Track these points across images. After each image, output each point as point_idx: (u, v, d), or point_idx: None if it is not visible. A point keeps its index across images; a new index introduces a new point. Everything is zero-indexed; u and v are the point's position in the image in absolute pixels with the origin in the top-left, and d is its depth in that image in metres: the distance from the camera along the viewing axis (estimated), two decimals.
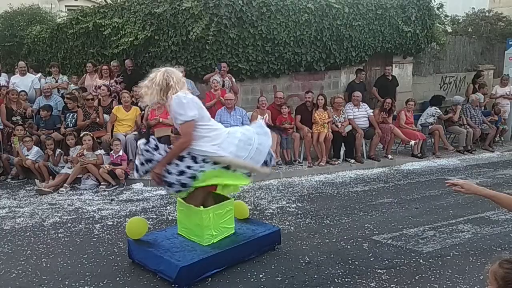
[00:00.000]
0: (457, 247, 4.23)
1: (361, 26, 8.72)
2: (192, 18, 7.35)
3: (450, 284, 3.51)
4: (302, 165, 7.50)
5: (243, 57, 7.83)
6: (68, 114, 7.37)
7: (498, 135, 9.60)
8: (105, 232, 4.70)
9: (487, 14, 12.83)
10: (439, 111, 8.88)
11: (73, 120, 7.30)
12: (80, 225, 4.92)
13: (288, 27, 7.95)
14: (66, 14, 10.43)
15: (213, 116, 7.18)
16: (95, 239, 4.51)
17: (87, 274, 3.73)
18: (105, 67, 7.95)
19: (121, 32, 8.00)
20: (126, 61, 7.96)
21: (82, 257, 4.07)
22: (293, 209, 5.43)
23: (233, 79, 7.70)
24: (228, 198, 4.04)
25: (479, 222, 4.93)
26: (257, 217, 5.12)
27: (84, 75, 8.51)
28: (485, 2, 19.04)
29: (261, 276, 3.66)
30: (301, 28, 8.07)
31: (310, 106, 7.82)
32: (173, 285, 3.46)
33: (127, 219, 5.07)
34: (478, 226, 4.81)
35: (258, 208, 5.50)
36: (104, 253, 4.16)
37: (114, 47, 8.11)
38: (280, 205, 5.60)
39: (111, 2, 8.52)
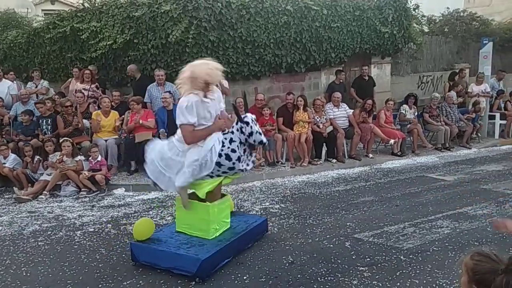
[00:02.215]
0: (437, 243, 4.33)
1: (340, 27, 8.83)
2: (171, 21, 7.32)
3: (430, 279, 3.59)
4: (284, 166, 7.55)
5: (223, 60, 7.82)
6: (42, 121, 7.23)
7: (475, 132, 9.84)
8: (87, 239, 4.63)
9: (462, 14, 13.14)
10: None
11: (49, 127, 7.18)
12: (61, 233, 4.85)
13: (268, 29, 7.99)
14: (43, 18, 10.20)
15: None
16: (76, 247, 4.44)
17: (69, 282, 3.68)
18: (86, 71, 7.85)
19: (99, 36, 7.91)
20: (130, 66, 7.81)
21: (63, 265, 4.01)
22: (277, 210, 5.46)
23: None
24: (224, 194, 4.24)
25: (457, 218, 5.05)
26: None
27: (70, 79, 8.38)
28: (460, 2, 19.53)
29: (245, 277, 3.67)
30: (281, 30, 8.13)
31: (291, 107, 7.88)
32: (196, 279, 3.57)
33: (108, 225, 5.04)
34: (457, 222, 4.92)
35: (241, 210, 5.50)
36: (85, 260, 4.10)
37: (92, 51, 8.01)
38: (264, 206, 5.62)
39: (88, 6, 8.41)
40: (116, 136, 7.27)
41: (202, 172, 3.74)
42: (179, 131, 3.85)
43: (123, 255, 4.18)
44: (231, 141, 3.77)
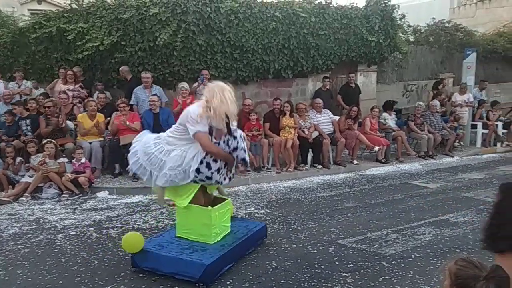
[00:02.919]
0: (419, 249, 4.38)
1: (327, 35, 8.92)
2: (160, 24, 7.30)
3: (412, 285, 3.62)
4: (270, 171, 7.56)
5: (211, 64, 7.84)
6: (21, 122, 7.11)
7: (457, 141, 10.01)
8: (68, 243, 4.56)
9: (446, 24, 13.39)
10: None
11: (28, 127, 7.06)
12: (41, 236, 4.76)
13: (256, 35, 8.03)
14: (29, 18, 10.05)
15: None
16: (57, 250, 4.37)
17: (48, 286, 3.61)
18: (70, 72, 7.76)
19: (86, 37, 7.82)
20: (122, 67, 7.73)
21: (43, 268, 3.93)
22: (262, 215, 5.45)
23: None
24: (224, 199, 4.25)
25: (439, 225, 5.12)
26: None
27: (56, 80, 8.26)
28: (445, 13, 19.94)
29: (228, 283, 3.65)
30: (269, 36, 8.17)
31: (278, 113, 7.91)
32: (198, 284, 3.56)
33: (90, 228, 4.97)
34: (438, 229, 4.99)
35: None
36: (66, 264, 4.04)
37: (78, 52, 7.91)
38: (249, 211, 5.62)
39: (76, 6, 8.33)
40: (101, 139, 7.19)
41: (184, 180, 3.79)
42: (171, 130, 3.92)
43: (105, 259, 4.12)
44: None
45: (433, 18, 13.71)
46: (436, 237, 4.74)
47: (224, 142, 3.81)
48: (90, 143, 7.00)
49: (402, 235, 4.77)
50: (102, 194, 6.36)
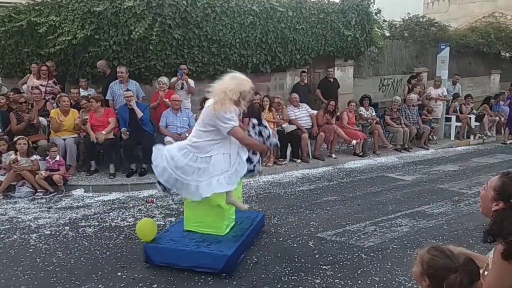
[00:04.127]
0: (396, 241, 4.46)
1: (305, 29, 8.94)
2: (135, 18, 7.14)
3: (390, 276, 3.69)
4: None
5: (188, 58, 7.74)
6: None
7: (432, 134, 10.23)
8: (43, 242, 4.43)
9: (421, 19, 13.62)
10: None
11: None
12: (15, 236, 4.61)
13: (234, 29, 7.97)
14: None
15: (158, 118, 7.12)
16: (31, 250, 4.24)
17: (23, 287, 3.50)
18: (43, 67, 7.52)
19: (58, 30, 7.59)
20: (100, 62, 7.52)
21: (17, 269, 3.81)
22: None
23: (190, 80, 7.61)
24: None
25: (415, 216, 5.22)
26: None
27: (28, 75, 7.99)
28: (419, 8, 20.29)
29: (209, 279, 3.63)
30: (247, 30, 8.12)
31: (257, 107, 7.89)
32: (222, 275, 3.61)
33: (66, 227, 4.85)
34: (415, 220, 5.09)
35: None
36: (41, 264, 3.93)
37: (50, 47, 7.67)
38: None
39: None
40: (75, 135, 7.02)
41: (237, 177, 3.78)
42: (192, 138, 3.82)
43: (82, 258, 4.04)
44: None
45: (408, 13, 13.93)
46: (412, 228, 4.84)
47: (256, 134, 3.85)
48: (64, 139, 6.82)
49: (379, 227, 4.85)
50: (78, 192, 6.21)
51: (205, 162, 3.71)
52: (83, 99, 7.28)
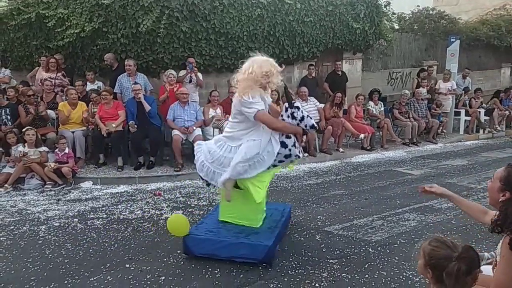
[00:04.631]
0: (404, 235, 4.44)
1: (313, 22, 8.87)
2: (142, 10, 7.14)
3: (397, 271, 3.67)
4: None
5: (196, 51, 7.73)
6: (0, 111, 6.87)
7: (441, 128, 10.14)
8: (52, 234, 4.48)
9: (430, 12, 13.45)
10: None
11: (8, 117, 6.86)
12: (24, 227, 4.67)
13: (241, 22, 7.93)
14: (6, 4, 9.72)
15: (166, 111, 7.13)
16: (40, 242, 4.29)
17: (32, 278, 3.55)
18: (52, 60, 7.56)
19: (66, 23, 7.61)
20: (107, 55, 7.55)
21: (26, 261, 3.86)
22: None
23: (198, 73, 7.61)
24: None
25: (423, 211, 5.19)
26: None
27: (36, 68, 8.03)
28: (429, 0, 20.04)
29: (216, 271, 3.64)
30: (254, 23, 8.08)
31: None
32: (263, 264, 3.67)
33: (75, 219, 4.89)
34: (423, 215, 5.06)
35: (213, 204, 5.46)
36: (50, 255, 3.97)
37: (59, 39, 7.70)
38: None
39: None
40: (84, 128, 7.06)
41: (263, 166, 3.68)
42: (227, 128, 3.83)
43: (90, 250, 4.07)
44: None
45: (418, 6, 13.76)
46: (420, 223, 4.81)
47: (288, 117, 3.75)
48: (73, 132, 6.87)
49: (387, 222, 4.83)
50: (86, 185, 6.26)
51: (235, 151, 3.70)
52: (92, 92, 7.30)
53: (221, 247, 3.76)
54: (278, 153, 3.72)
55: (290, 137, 3.75)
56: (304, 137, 3.94)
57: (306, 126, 3.78)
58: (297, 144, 3.81)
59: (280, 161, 3.81)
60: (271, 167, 3.79)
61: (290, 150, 3.75)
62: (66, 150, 6.40)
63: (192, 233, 3.86)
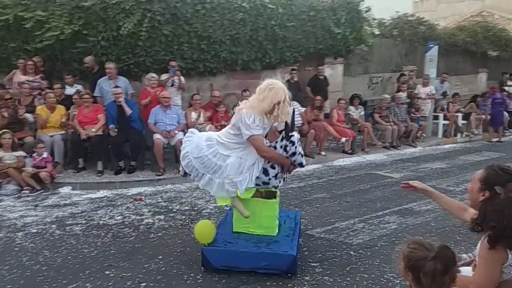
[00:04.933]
0: (384, 238, 4.50)
1: (295, 26, 8.93)
2: (124, 13, 7.08)
3: (378, 273, 3.71)
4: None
5: (178, 55, 7.70)
6: None
7: (420, 132, 10.33)
8: (29, 241, 4.37)
9: (410, 18, 13.69)
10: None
11: None
12: (0, 234, 4.54)
13: (224, 26, 7.93)
14: None
15: (148, 115, 7.06)
16: (17, 249, 4.18)
17: (9, 287, 3.45)
18: (30, 62, 7.40)
19: (45, 26, 7.47)
20: (87, 57, 7.41)
21: (2, 268, 3.75)
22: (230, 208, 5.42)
23: (181, 77, 7.56)
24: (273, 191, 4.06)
25: (403, 213, 5.27)
26: (194, 217, 5.07)
27: (14, 70, 7.84)
28: (409, 6, 20.43)
29: (198, 276, 3.62)
30: (237, 27, 8.09)
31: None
32: (288, 275, 3.58)
33: (53, 225, 4.79)
34: (403, 217, 5.14)
35: (195, 208, 5.44)
36: (27, 263, 3.87)
37: (37, 42, 7.54)
38: (218, 205, 5.57)
39: None
40: (62, 132, 6.93)
41: (243, 185, 3.65)
42: (223, 131, 3.79)
43: (69, 257, 3.99)
44: None
45: (397, 12, 14.00)
46: (400, 225, 4.88)
47: (281, 147, 3.72)
48: (51, 136, 6.73)
49: (368, 224, 4.88)
50: (65, 190, 6.14)
51: (222, 160, 3.64)
52: (75, 95, 7.17)
53: (243, 259, 3.63)
54: (257, 178, 3.71)
55: (274, 168, 3.73)
56: (291, 170, 3.94)
57: (295, 161, 3.78)
58: (279, 175, 3.80)
59: (257, 184, 3.78)
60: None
61: (269, 180, 3.75)
62: (44, 155, 6.27)
63: (211, 245, 3.73)
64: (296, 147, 3.75)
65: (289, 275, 3.60)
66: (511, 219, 1.96)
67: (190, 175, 3.83)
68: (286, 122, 3.75)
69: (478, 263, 2.15)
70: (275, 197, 4.01)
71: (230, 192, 3.67)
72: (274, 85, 3.61)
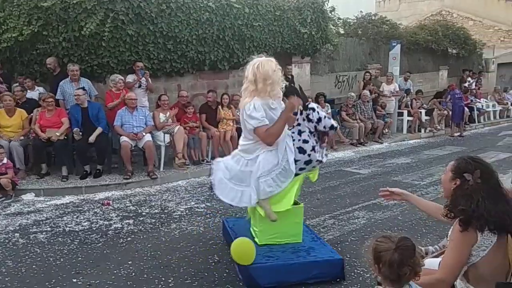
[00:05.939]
0: (354, 233, 4.58)
1: (261, 26, 8.96)
2: (85, 13, 6.87)
3: (349, 268, 3.77)
4: (210, 165, 7.45)
5: (143, 55, 7.55)
6: None
7: (385, 128, 10.60)
8: None
9: (373, 17, 14.02)
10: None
11: None
12: None
13: (190, 25, 7.85)
14: None
15: (113, 117, 6.88)
16: None
17: None
18: None
19: (3, 27, 7.16)
20: (49, 59, 7.10)
21: None
22: (202, 209, 5.39)
23: (148, 78, 7.41)
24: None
25: (372, 208, 5.39)
26: (165, 220, 4.99)
27: None
28: (372, 6, 20.90)
29: (169, 280, 3.56)
30: (203, 26, 8.03)
31: (214, 104, 7.84)
32: (337, 280, 3.49)
33: (16, 234, 4.59)
34: (371, 212, 5.25)
35: (165, 211, 5.35)
36: None
37: None
38: (189, 206, 5.52)
39: None
40: (22, 137, 6.64)
41: (288, 177, 3.45)
42: (241, 141, 3.61)
43: (34, 266, 3.83)
44: (299, 132, 3.53)
45: (361, 11, 14.29)
46: (369, 220, 4.99)
47: (304, 120, 3.53)
48: (9, 142, 6.43)
49: (338, 220, 4.96)
50: (28, 197, 5.90)
51: (252, 163, 3.45)
52: (41, 98, 6.90)
53: (292, 271, 3.40)
54: (297, 160, 3.49)
55: (307, 142, 3.52)
56: (326, 137, 3.75)
57: (325, 127, 3.57)
58: (317, 148, 3.56)
59: (301, 169, 3.57)
60: (297, 173, 3.57)
61: (309, 155, 3.51)
62: (4, 160, 6.00)
63: (256, 263, 3.38)
64: (318, 112, 3.58)
65: (338, 280, 3.50)
66: (479, 203, 2.12)
67: (232, 205, 3.67)
68: (300, 90, 3.57)
69: (448, 245, 2.25)
70: (297, 204, 3.88)
71: (266, 193, 3.43)
72: (258, 62, 3.46)
